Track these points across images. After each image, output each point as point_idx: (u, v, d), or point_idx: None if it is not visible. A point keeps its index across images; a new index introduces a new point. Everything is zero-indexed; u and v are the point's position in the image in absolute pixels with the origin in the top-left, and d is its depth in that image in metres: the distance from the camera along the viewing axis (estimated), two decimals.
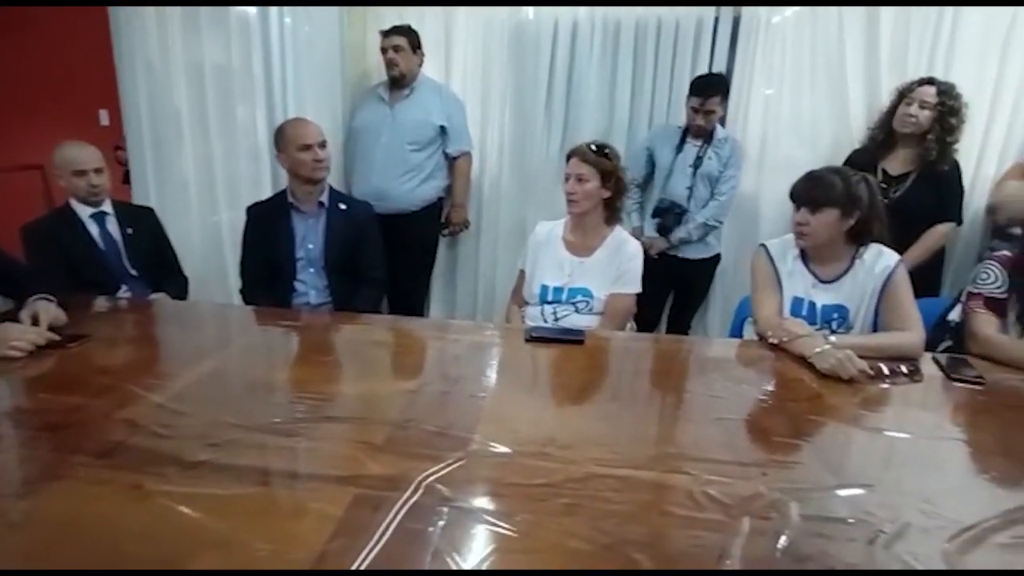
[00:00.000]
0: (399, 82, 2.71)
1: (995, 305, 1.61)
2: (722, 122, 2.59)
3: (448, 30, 2.89)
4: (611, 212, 1.96)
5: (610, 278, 1.92)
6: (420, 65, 2.75)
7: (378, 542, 0.78)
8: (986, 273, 1.65)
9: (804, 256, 1.72)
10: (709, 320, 2.92)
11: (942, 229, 2.25)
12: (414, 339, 1.74)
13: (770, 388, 1.40)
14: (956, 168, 2.26)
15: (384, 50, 2.66)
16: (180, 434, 1.05)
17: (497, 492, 0.92)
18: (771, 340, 1.56)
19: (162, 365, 1.47)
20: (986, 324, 1.58)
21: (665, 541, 0.82)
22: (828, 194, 1.57)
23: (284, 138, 2.09)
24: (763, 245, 1.78)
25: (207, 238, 2.62)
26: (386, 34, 2.67)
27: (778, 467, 1.00)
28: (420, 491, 0.89)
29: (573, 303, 1.93)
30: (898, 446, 1.13)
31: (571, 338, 1.55)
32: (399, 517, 0.83)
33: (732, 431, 1.13)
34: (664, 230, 2.60)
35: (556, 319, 1.94)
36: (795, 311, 1.70)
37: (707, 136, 2.52)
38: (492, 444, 1.03)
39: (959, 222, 2.30)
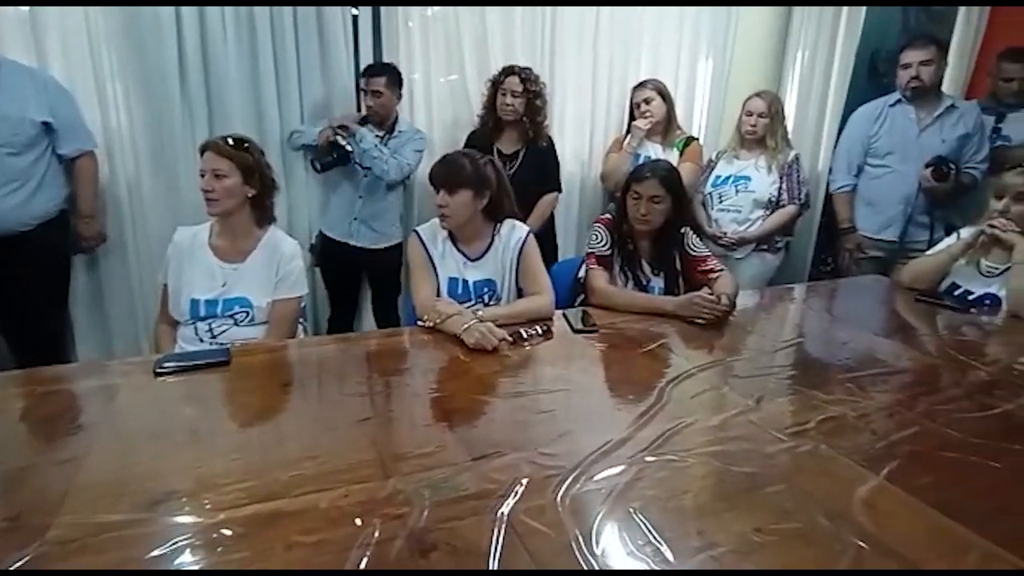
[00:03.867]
0: None
1: (604, 261, 1.93)
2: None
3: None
4: (261, 212, 1.80)
5: (270, 283, 1.77)
6: None
7: None
8: (595, 235, 1.96)
9: (453, 237, 1.81)
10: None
11: (548, 198, 2.62)
12: None
13: (426, 372, 1.45)
14: (551, 144, 2.65)
15: None
16: None
17: None
18: (426, 323, 1.61)
19: None
20: (598, 278, 1.89)
21: None
22: (460, 175, 1.68)
23: None
24: (415, 231, 1.84)
25: None
26: None
27: (420, 457, 1.02)
28: None
29: (231, 315, 1.74)
30: (526, 404, 1.26)
31: (211, 361, 1.38)
32: None
33: (378, 429, 1.13)
34: None
35: (213, 336, 1.73)
36: (452, 291, 1.80)
37: (390, 127, 2.49)
38: (90, 519, 0.84)
39: (559, 190, 2.70)
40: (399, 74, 2.46)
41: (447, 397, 1.31)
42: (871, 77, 3.22)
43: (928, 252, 2.21)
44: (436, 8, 2.61)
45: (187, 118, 2.56)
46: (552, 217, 2.70)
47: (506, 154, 2.58)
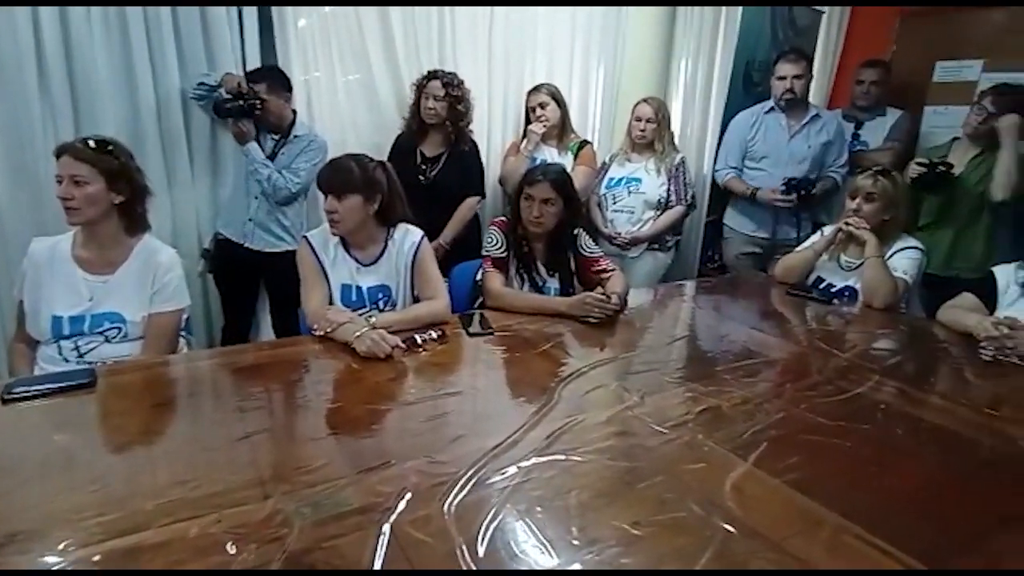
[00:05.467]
0: None
1: (499, 263, 1.95)
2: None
3: None
4: (131, 219, 1.67)
5: (145, 296, 1.64)
6: None
7: None
8: (490, 237, 1.97)
9: (345, 243, 1.76)
10: None
11: (470, 202, 2.61)
12: None
13: (316, 383, 1.40)
14: (475, 147, 2.65)
15: None
16: None
17: None
18: (317, 332, 1.56)
19: None
20: (494, 280, 1.90)
21: None
22: (349, 180, 1.63)
23: None
24: (305, 237, 1.77)
25: None
26: None
27: (303, 474, 0.99)
28: None
29: (101, 332, 1.60)
30: (418, 411, 1.25)
31: (72, 383, 1.26)
32: None
33: (260, 447, 1.07)
34: None
35: (80, 355, 1.59)
36: (345, 298, 1.75)
37: (286, 131, 2.36)
38: None
39: (483, 195, 2.71)
40: (284, 76, 2.35)
41: (337, 408, 1.28)
42: (746, 86, 3.46)
43: (797, 249, 2.40)
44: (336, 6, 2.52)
45: (48, 116, 2.32)
46: (477, 221, 2.68)
47: (429, 157, 2.56)
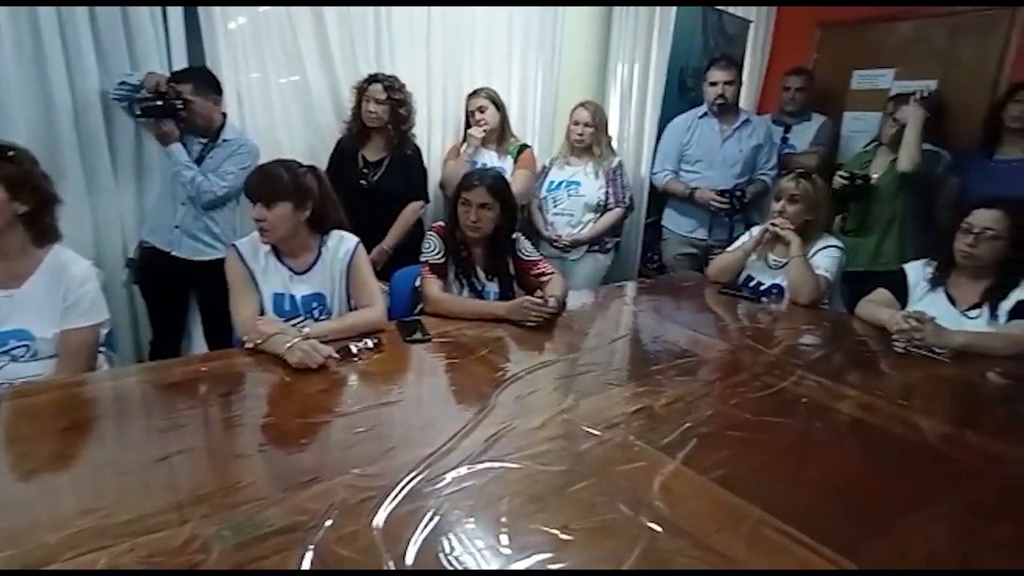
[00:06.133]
0: None
1: (438, 269, 1.93)
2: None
3: None
4: (39, 230, 1.56)
5: (56, 311, 1.54)
6: None
7: None
8: (428, 243, 1.96)
9: (277, 251, 1.71)
10: None
11: (413, 207, 2.58)
12: None
13: (244, 398, 1.35)
14: (418, 152, 2.62)
15: None
16: None
17: None
18: (247, 344, 1.51)
19: None
20: (432, 286, 1.89)
21: None
22: (277, 187, 1.59)
23: None
24: (234, 245, 1.71)
25: None
26: None
27: (225, 495, 0.95)
28: None
29: (6, 351, 1.50)
30: (351, 423, 1.22)
31: None
32: None
33: (180, 469, 1.03)
34: None
35: None
36: (278, 307, 1.70)
37: (214, 134, 2.26)
38: None
39: (426, 200, 2.68)
40: (212, 78, 2.26)
41: (266, 423, 1.23)
42: (681, 91, 3.56)
43: (729, 249, 2.49)
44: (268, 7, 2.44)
45: None
46: (421, 225, 2.64)
47: (372, 161, 2.52)
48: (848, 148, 3.38)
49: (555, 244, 2.89)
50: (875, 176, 2.74)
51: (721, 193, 2.92)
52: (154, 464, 1.03)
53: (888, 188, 2.71)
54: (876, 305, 2.02)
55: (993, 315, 1.83)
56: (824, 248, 2.22)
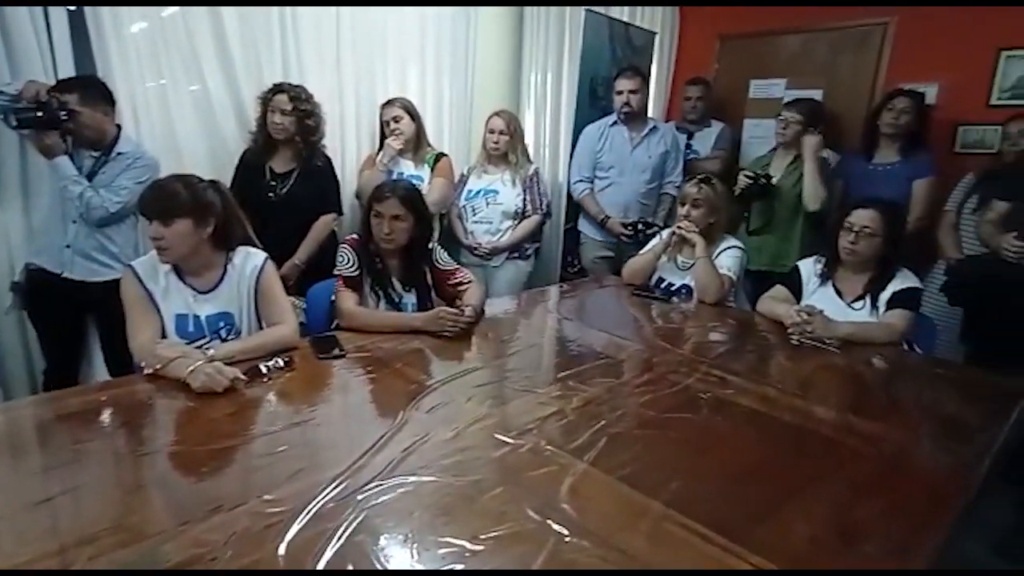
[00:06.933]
0: None
1: (352, 282, 1.91)
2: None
3: None
4: None
5: None
6: None
7: None
8: (341, 256, 1.93)
9: (178, 270, 1.64)
10: None
11: (325, 219, 2.53)
12: None
13: (142, 428, 1.28)
14: (329, 163, 2.57)
15: None
16: None
17: None
18: (147, 371, 1.43)
19: None
20: (347, 300, 1.86)
21: None
22: (174, 204, 1.52)
23: None
24: (130, 266, 1.62)
25: None
26: None
27: (115, 534, 0.90)
28: None
29: None
30: (257, 447, 1.18)
31: None
32: None
33: (63, 510, 0.96)
34: None
35: None
36: (182, 329, 1.63)
37: (108, 147, 2.11)
38: None
39: (339, 212, 2.63)
40: (102, 87, 2.13)
41: (166, 453, 1.18)
42: (592, 100, 3.67)
43: (641, 252, 2.59)
44: (168, 11, 2.31)
45: None
46: (334, 238, 2.57)
47: (279, 173, 2.45)
48: (749, 153, 3.59)
49: (475, 252, 2.91)
50: (776, 177, 2.92)
51: (626, 226, 3.08)
52: (34, 507, 0.96)
53: (791, 191, 2.89)
54: (774, 301, 2.16)
55: (874, 306, 2.00)
56: (727, 249, 2.35)
